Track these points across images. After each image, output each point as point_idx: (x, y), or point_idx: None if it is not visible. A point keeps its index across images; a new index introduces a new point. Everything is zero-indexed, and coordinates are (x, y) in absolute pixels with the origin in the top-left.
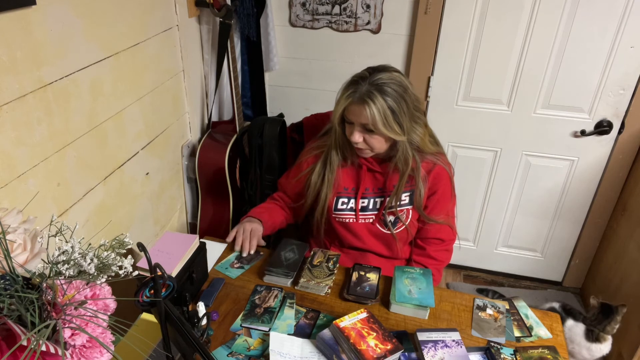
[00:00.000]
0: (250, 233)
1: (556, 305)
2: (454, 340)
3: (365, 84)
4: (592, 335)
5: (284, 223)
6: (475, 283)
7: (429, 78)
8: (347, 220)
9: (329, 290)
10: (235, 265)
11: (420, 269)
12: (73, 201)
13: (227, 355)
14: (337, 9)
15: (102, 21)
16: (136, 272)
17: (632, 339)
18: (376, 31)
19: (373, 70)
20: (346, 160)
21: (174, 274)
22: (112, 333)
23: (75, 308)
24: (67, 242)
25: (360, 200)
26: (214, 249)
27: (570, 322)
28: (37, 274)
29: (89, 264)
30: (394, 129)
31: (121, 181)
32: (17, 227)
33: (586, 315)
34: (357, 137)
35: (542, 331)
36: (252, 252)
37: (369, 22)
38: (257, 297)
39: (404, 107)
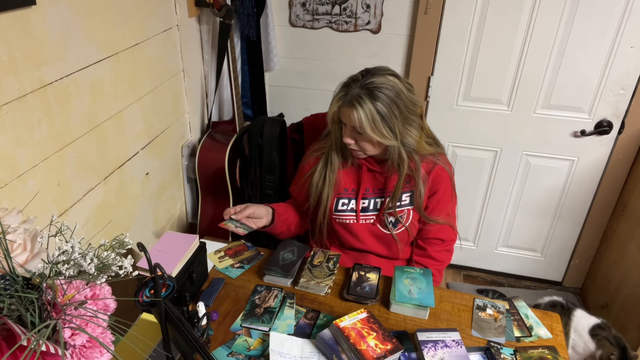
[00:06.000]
0: (245, 207)
1: (559, 298)
2: (454, 340)
3: (357, 87)
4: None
5: (299, 226)
6: (475, 283)
7: (429, 78)
8: (348, 221)
9: (329, 290)
10: (235, 265)
11: (421, 269)
12: (73, 201)
13: (227, 355)
14: (337, 9)
15: (102, 21)
16: (136, 272)
17: (632, 339)
18: (376, 31)
19: (367, 73)
20: (346, 161)
21: (174, 274)
22: (112, 333)
23: (75, 308)
24: (67, 242)
25: (361, 201)
26: (214, 249)
27: (580, 312)
28: (37, 274)
29: (89, 264)
30: (383, 134)
31: (121, 181)
32: (17, 227)
33: (616, 333)
34: (348, 139)
35: (542, 331)
36: (233, 216)
37: (369, 22)
38: (257, 297)
39: (396, 112)
